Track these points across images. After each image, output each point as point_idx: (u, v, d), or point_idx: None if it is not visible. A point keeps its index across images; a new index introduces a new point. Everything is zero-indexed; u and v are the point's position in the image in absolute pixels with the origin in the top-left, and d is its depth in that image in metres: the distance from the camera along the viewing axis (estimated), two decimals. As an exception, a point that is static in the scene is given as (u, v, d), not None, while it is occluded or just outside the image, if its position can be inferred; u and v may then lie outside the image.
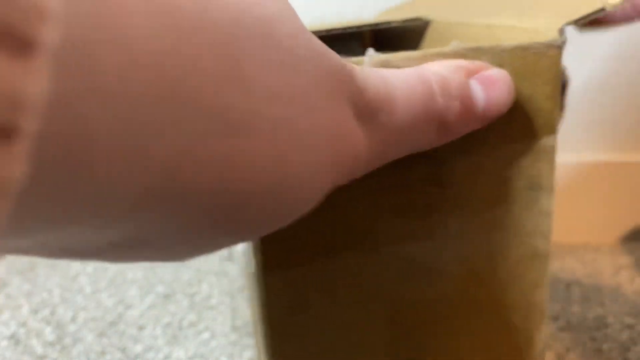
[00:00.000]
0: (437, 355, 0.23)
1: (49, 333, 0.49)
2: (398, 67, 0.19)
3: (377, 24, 0.28)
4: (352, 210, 0.21)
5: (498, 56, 0.20)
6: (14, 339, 0.48)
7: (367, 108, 0.15)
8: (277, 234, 0.16)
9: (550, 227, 0.21)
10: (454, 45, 0.20)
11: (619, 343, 0.44)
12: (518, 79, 0.20)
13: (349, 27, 0.27)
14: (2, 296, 0.56)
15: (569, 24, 0.20)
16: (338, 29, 0.27)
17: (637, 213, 0.63)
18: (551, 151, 0.21)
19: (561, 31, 0.20)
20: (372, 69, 0.17)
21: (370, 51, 0.20)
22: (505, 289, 0.22)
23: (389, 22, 0.29)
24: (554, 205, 0.21)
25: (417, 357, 0.23)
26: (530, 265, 0.22)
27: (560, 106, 0.22)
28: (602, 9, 0.20)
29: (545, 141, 0.21)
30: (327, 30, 0.26)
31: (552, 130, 0.21)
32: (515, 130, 0.20)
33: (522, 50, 0.20)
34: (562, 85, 0.23)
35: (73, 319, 0.52)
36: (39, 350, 0.47)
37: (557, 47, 0.20)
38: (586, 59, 0.48)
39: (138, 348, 0.47)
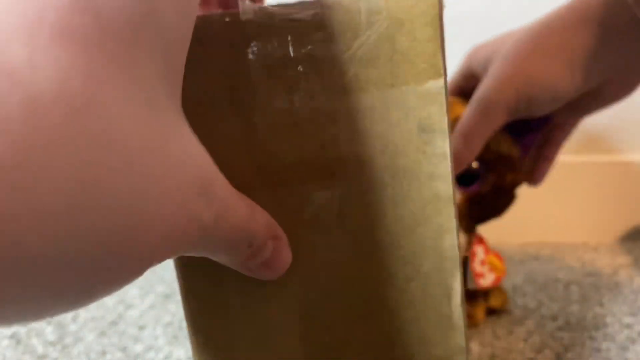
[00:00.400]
0: (357, 323, 0.23)
1: (49, 332, 0.49)
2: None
3: None
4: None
5: (374, 3, 0.20)
6: (15, 338, 0.49)
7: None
8: None
9: (448, 170, 0.22)
10: None
11: (618, 343, 0.45)
12: (396, 22, 0.20)
13: None
14: (2, 296, 0.56)
15: None
16: None
17: (636, 213, 0.64)
18: (440, 93, 0.21)
19: None
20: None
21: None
22: (413, 235, 0.22)
23: None
24: (450, 148, 0.22)
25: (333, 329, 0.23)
26: (434, 209, 0.22)
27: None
28: None
29: (432, 84, 0.21)
30: None
31: (438, 73, 0.21)
32: (399, 73, 0.21)
33: None
34: None
35: (74, 319, 0.52)
36: (40, 349, 0.47)
37: None
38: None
39: (138, 348, 0.47)
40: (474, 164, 0.44)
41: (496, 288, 0.49)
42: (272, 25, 0.21)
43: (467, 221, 0.46)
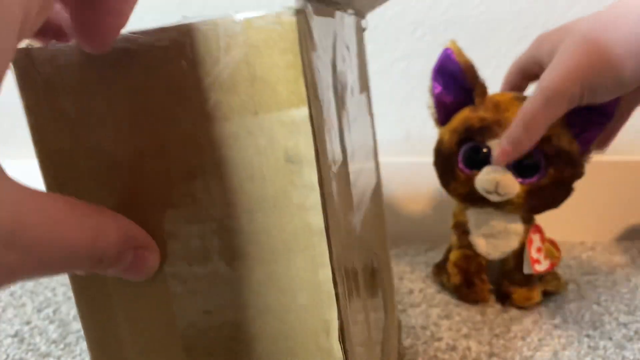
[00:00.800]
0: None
1: (52, 331, 0.50)
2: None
3: None
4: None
5: (230, 28, 0.19)
6: (18, 336, 0.49)
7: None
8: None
9: (318, 201, 0.21)
10: (185, 17, 0.20)
11: (615, 341, 0.45)
12: (253, 48, 0.19)
13: None
14: (6, 295, 0.57)
15: None
16: None
17: (632, 212, 0.64)
18: (304, 122, 0.20)
19: None
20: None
21: None
22: (289, 266, 0.22)
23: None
24: (322, 178, 0.21)
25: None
26: (307, 240, 0.21)
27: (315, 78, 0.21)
28: None
29: (295, 112, 0.20)
30: None
31: (301, 101, 0.20)
32: (261, 100, 0.20)
33: (255, 21, 0.19)
34: None
35: (76, 318, 0.52)
36: (43, 348, 0.47)
37: (292, 14, 0.19)
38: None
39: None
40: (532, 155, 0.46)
41: (551, 273, 0.52)
42: (134, 52, 0.20)
43: (525, 211, 0.48)
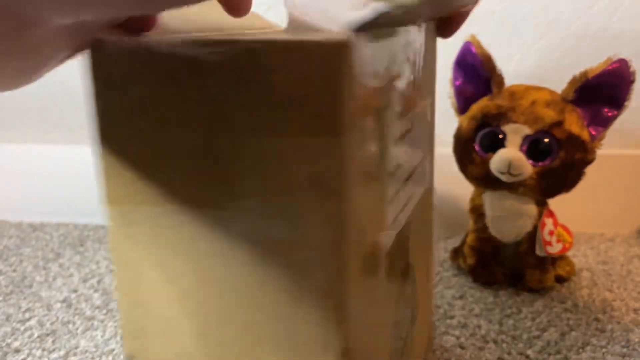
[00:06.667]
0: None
1: (96, 298, 0.55)
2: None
3: None
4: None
5: (273, 53, 0.20)
6: (67, 302, 0.54)
7: None
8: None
9: (339, 233, 0.21)
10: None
11: (623, 324, 0.47)
12: (295, 74, 0.20)
13: None
14: (56, 266, 0.62)
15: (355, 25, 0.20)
16: None
17: (653, 205, 0.65)
18: (335, 151, 0.20)
19: (348, 29, 0.20)
20: None
21: None
22: (300, 282, 0.22)
23: None
24: (349, 212, 0.21)
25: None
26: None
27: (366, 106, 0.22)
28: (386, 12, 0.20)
29: (327, 140, 0.20)
30: None
31: (334, 131, 0.20)
32: (296, 124, 0.21)
33: (301, 45, 0.20)
34: None
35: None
36: (88, 312, 0.52)
37: (337, 45, 0.19)
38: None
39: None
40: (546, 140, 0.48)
41: (564, 258, 0.55)
42: (204, 61, 0.21)
43: (538, 193, 0.50)
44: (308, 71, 0.20)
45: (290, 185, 0.21)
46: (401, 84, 0.27)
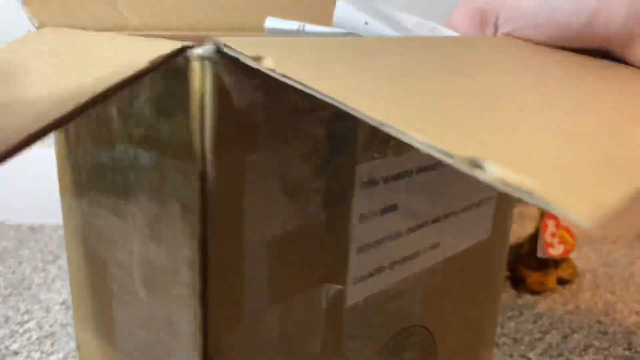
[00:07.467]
0: None
1: (95, 301, 0.54)
2: None
3: None
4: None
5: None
6: (65, 304, 0.54)
7: None
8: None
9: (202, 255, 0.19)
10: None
11: (625, 327, 0.47)
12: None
13: None
14: (55, 268, 0.62)
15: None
16: None
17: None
18: (192, 175, 0.18)
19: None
20: None
21: None
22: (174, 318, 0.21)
23: None
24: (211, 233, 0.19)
25: None
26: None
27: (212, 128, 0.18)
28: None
29: (188, 163, 0.19)
30: None
31: (192, 154, 0.18)
32: (161, 144, 0.19)
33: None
34: None
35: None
36: (87, 314, 0.52)
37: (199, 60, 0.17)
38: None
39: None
40: None
41: (566, 260, 0.55)
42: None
43: None
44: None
45: (164, 213, 0.20)
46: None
